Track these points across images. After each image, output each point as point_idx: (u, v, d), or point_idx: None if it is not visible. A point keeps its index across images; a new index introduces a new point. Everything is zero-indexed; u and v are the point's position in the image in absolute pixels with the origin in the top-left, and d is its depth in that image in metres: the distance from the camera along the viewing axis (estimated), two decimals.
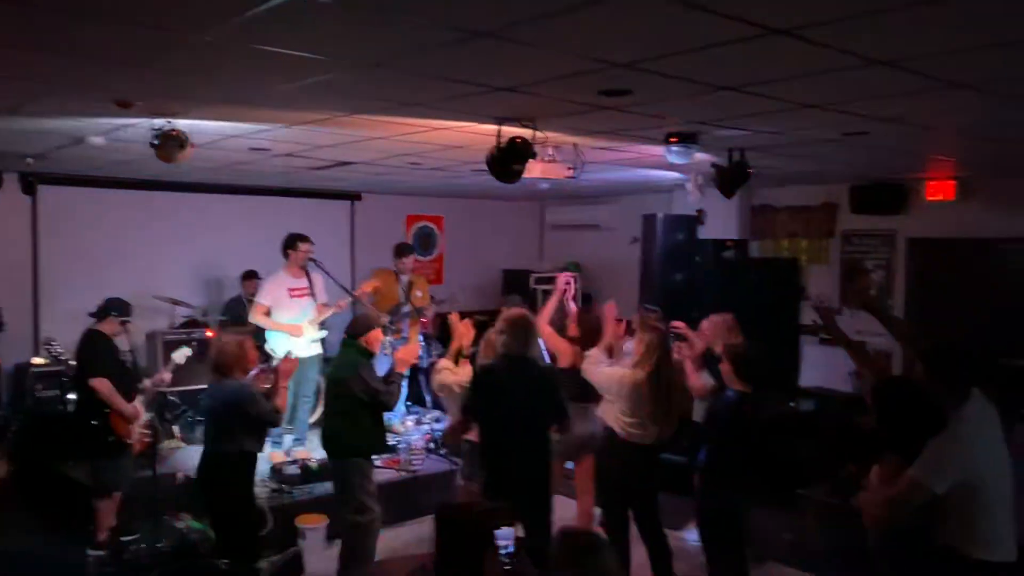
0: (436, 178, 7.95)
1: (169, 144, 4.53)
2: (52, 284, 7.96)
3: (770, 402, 4.91)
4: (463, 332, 5.16)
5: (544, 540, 4.38)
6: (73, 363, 5.96)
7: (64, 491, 6.04)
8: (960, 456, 3.26)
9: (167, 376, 5.81)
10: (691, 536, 5.55)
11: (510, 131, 4.65)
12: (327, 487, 5.65)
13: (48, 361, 6.89)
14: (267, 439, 5.14)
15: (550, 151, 5.34)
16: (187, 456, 6.99)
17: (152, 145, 4.59)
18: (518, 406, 4.40)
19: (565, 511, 4.95)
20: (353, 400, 4.82)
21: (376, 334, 5.03)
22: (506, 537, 3.33)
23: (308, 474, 6.18)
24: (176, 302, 8.08)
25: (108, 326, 5.49)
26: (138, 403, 5.53)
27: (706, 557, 5.15)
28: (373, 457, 5.14)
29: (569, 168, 5.60)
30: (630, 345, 5.46)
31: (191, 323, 8.26)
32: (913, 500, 3.30)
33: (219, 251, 8.76)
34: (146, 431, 5.60)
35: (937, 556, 3.34)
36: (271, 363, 6.45)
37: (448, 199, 10.69)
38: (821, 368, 8.08)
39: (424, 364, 7.68)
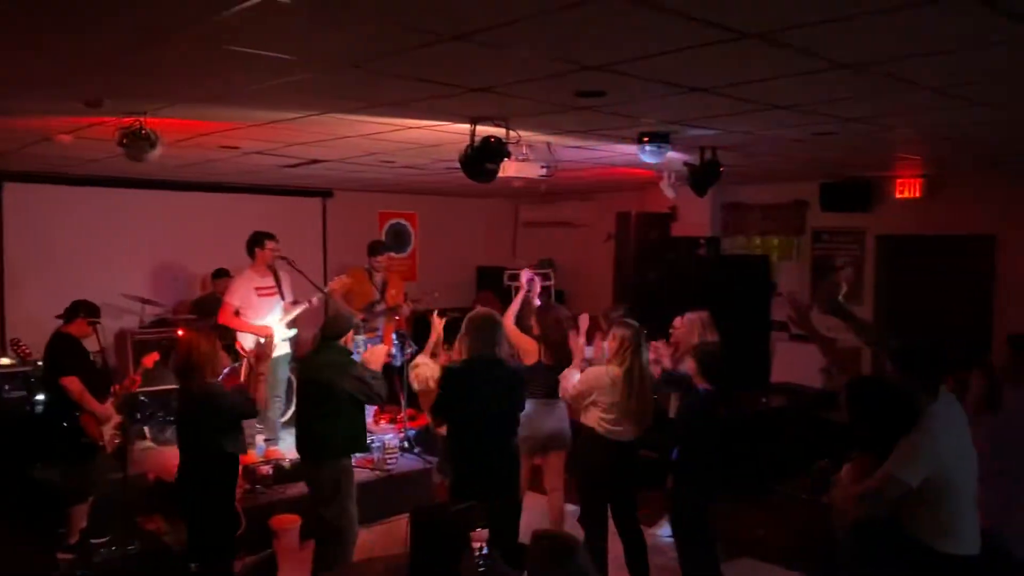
0: (410, 175, 7.93)
1: (139, 144, 4.46)
2: (18, 283, 7.83)
3: (735, 399, 4.96)
4: (439, 329, 5.16)
5: (513, 539, 4.42)
6: (40, 363, 5.88)
7: (33, 494, 5.96)
8: (932, 450, 3.31)
9: (137, 383, 5.74)
10: (664, 532, 5.60)
11: (484, 130, 4.65)
12: (301, 487, 5.61)
13: (15, 361, 6.78)
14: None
15: (524, 150, 5.35)
16: (158, 457, 6.92)
17: (121, 145, 4.51)
18: (485, 406, 4.42)
19: (534, 507, 4.96)
20: (345, 400, 4.77)
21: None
22: (481, 538, 3.33)
23: (281, 474, 6.13)
24: (146, 301, 7.98)
25: (77, 328, 5.41)
26: (109, 404, 5.46)
27: (679, 553, 5.22)
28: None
29: (543, 167, 5.62)
30: (589, 351, 5.53)
31: (161, 322, 8.16)
32: (889, 494, 3.34)
33: (189, 249, 8.67)
34: (116, 432, 5.54)
35: (904, 550, 3.40)
36: (239, 363, 6.41)
37: (422, 196, 10.66)
38: (792, 364, 8.17)
39: (398, 363, 7.65)
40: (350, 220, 9.98)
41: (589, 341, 5.55)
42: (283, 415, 7.25)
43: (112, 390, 5.56)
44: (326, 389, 4.76)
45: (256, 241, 6.86)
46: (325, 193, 9.87)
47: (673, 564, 5.28)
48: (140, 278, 8.30)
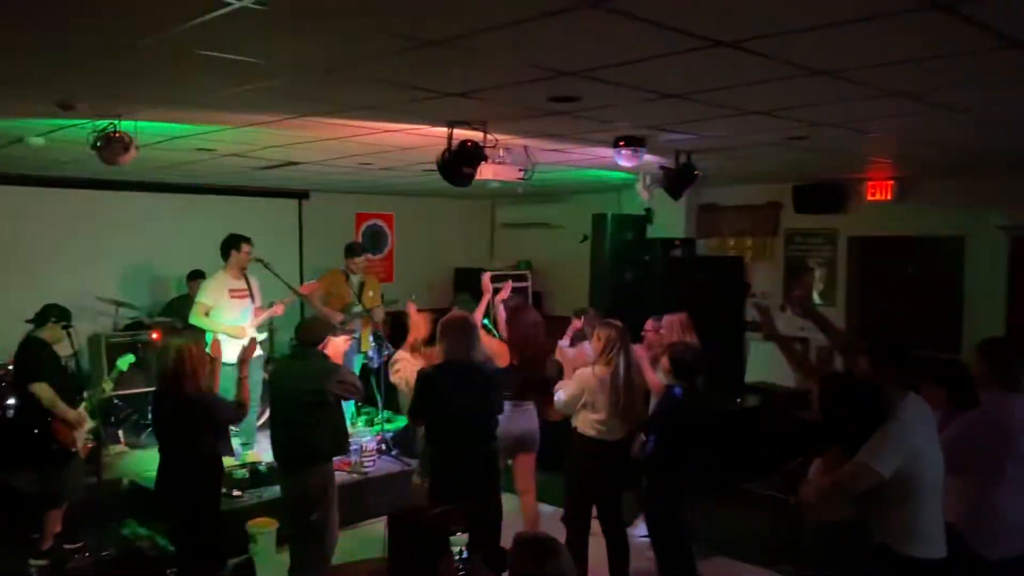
0: (387, 177, 7.92)
1: (113, 146, 4.43)
2: None
3: (706, 399, 5.05)
4: (417, 323, 5.16)
5: (494, 541, 4.44)
6: (11, 368, 5.81)
7: (5, 499, 5.88)
8: (905, 441, 3.36)
9: (108, 386, 5.68)
10: (639, 532, 5.64)
11: (461, 134, 4.67)
12: (276, 490, 5.59)
13: None
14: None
15: (501, 153, 5.37)
16: (132, 461, 6.88)
17: (95, 147, 4.48)
18: (461, 409, 4.43)
19: (505, 509, 4.99)
20: (332, 407, 4.77)
21: (335, 347, 4.92)
22: (459, 543, 3.35)
23: (258, 478, 6.12)
24: (120, 303, 7.92)
25: (47, 333, 5.34)
26: (82, 409, 5.40)
27: (655, 552, 5.27)
28: None
29: (520, 169, 5.64)
30: (572, 352, 5.57)
31: (135, 325, 8.10)
32: (860, 484, 3.37)
33: (163, 251, 8.60)
34: (89, 437, 5.49)
35: (872, 553, 3.43)
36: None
37: (398, 197, 10.64)
38: (766, 364, 8.25)
39: (375, 365, 7.65)
40: (326, 221, 9.94)
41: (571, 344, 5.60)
42: (259, 418, 7.21)
43: (84, 395, 5.51)
44: (314, 397, 4.69)
45: (232, 243, 6.80)
46: (301, 194, 9.83)
47: (649, 564, 5.33)
48: (114, 280, 8.22)
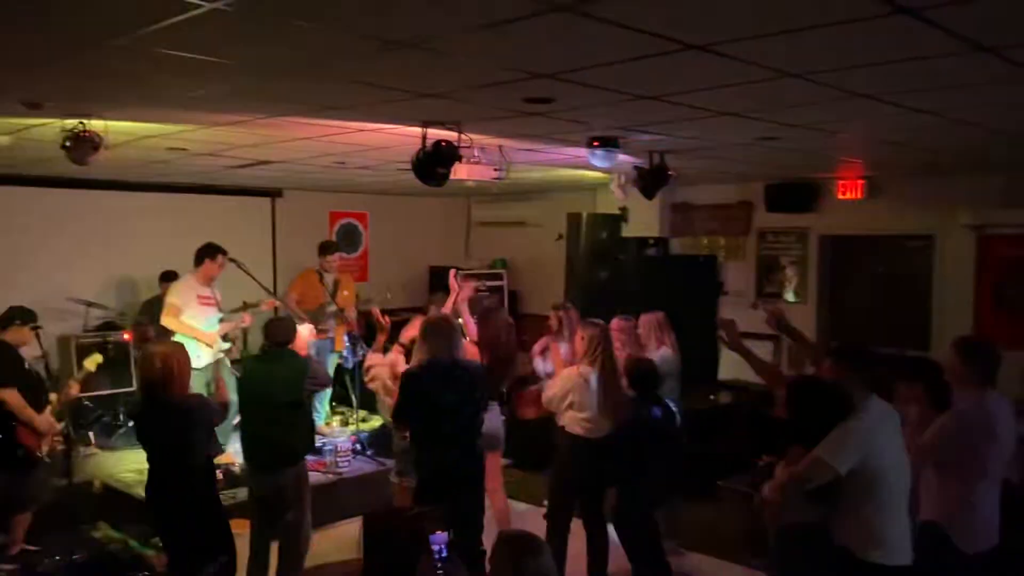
0: (361, 175, 7.89)
1: (81, 146, 4.38)
2: None
3: (651, 406, 5.12)
4: (385, 325, 5.16)
5: (477, 540, 4.45)
6: None
7: None
8: (862, 440, 3.38)
9: (75, 389, 5.58)
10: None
11: (436, 134, 4.67)
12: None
13: None
14: None
15: (476, 152, 5.38)
16: (103, 463, 6.80)
17: (63, 147, 4.42)
18: (446, 409, 4.43)
19: None
20: (305, 405, 4.84)
21: (300, 342, 4.95)
22: (439, 541, 3.34)
23: (232, 479, 6.08)
24: (90, 304, 7.82)
25: (12, 335, 5.22)
26: (49, 414, 5.31)
27: (625, 551, 5.32)
28: None
29: (495, 169, 5.65)
30: (547, 366, 5.62)
31: (106, 326, 8.01)
32: (815, 478, 3.39)
33: (134, 251, 8.49)
34: (59, 439, 5.42)
35: (834, 557, 3.43)
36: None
37: (373, 195, 10.60)
38: (739, 362, 8.30)
39: (349, 365, 7.63)
40: (300, 220, 9.87)
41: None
42: (234, 419, 7.17)
43: (51, 398, 5.41)
44: (291, 397, 4.73)
45: (208, 252, 6.69)
46: (274, 193, 9.76)
47: (622, 561, 5.38)
48: (84, 281, 8.10)
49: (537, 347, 6.24)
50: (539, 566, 2.52)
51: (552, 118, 4.42)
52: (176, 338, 6.56)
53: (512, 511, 5.77)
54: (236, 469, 6.14)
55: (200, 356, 6.26)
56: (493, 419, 5.52)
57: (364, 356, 7.34)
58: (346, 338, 7.65)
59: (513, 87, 3.60)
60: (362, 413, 7.55)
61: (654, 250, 8.86)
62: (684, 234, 9.27)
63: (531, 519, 5.31)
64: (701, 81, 3.52)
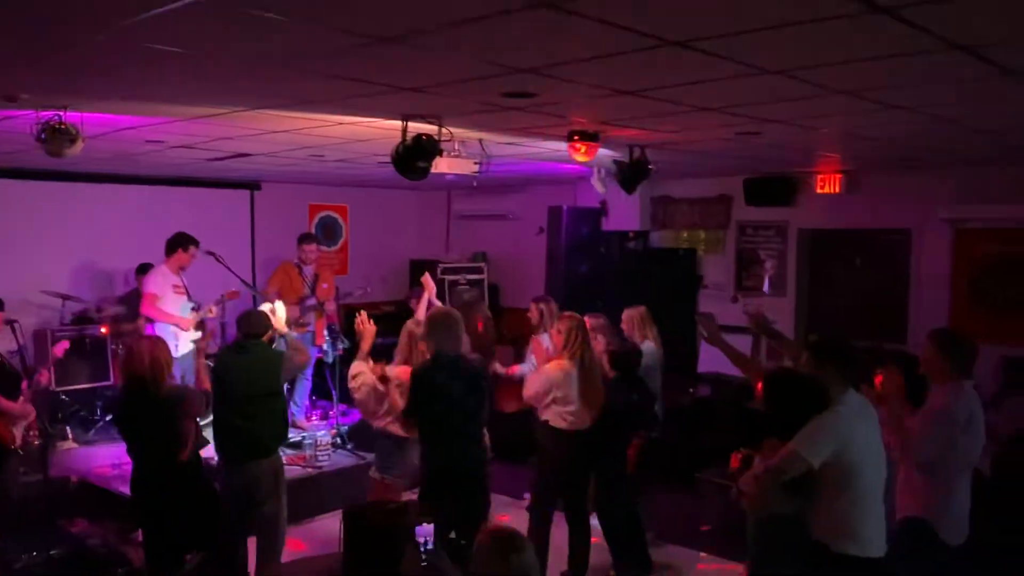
0: (341, 168, 7.85)
1: (58, 138, 4.31)
2: None
3: (631, 387, 5.29)
4: (370, 332, 5.10)
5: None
6: None
7: None
8: (837, 433, 3.41)
9: (45, 376, 5.53)
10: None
11: (416, 127, 4.66)
12: None
13: None
14: None
15: (456, 146, 5.37)
16: (81, 458, 6.75)
17: (40, 140, 4.36)
18: (455, 404, 4.46)
19: None
20: (281, 396, 4.91)
21: (278, 324, 5.04)
22: (425, 533, 3.35)
23: (209, 472, 6.03)
24: (66, 297, 7.74)
25: None
26: (22, 401, 5.25)
27: (608, 544, 5.36)
28: None
29: (475, 163, 5.65)
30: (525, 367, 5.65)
31: (82, 319, 7.93)
32: (789, 471, 3.42)
33: (111, 243, 8.39)
34: (34, 433, 5.36)
35: (809, 549, 3.47)
36: None
37: (353, 188, 10.54)
38: (718, 354, 8.34)
39: (330, 359, 7.60)
40: (279, 213, 9.80)
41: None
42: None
43: (23, 386, 5.35)
44: (268, 388, 4.78)
45: (181, 242, 6.84)
46: (253, 185, 9.68)
47: (607, 555, 5.42)
48: (60, 274, 8.01)
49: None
50: (522, 562, 2.52)
51: (532, 112, 4.42)
52: (157, 328, 6.63)
53: (493, 503, 5.79)
54: (213, 463, 6.10)
55: (178, 346, 6.34)
56: None
57: (344, 350, 7.35)
58: (326, 332, 7.62)
59: (493, 81, 3.59)
60: (342, 407, 7.52)
61: (634, 243, 8.90)
62: (664, 227, 9.30)
63: (514, 512, 5.32)
64: (681, 77, 3.53)
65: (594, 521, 5.53)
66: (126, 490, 5.22)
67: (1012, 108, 4.23)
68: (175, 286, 6.85)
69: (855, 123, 4.86)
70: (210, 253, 7.18)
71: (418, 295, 7.57)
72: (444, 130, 4.75)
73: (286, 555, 5.00)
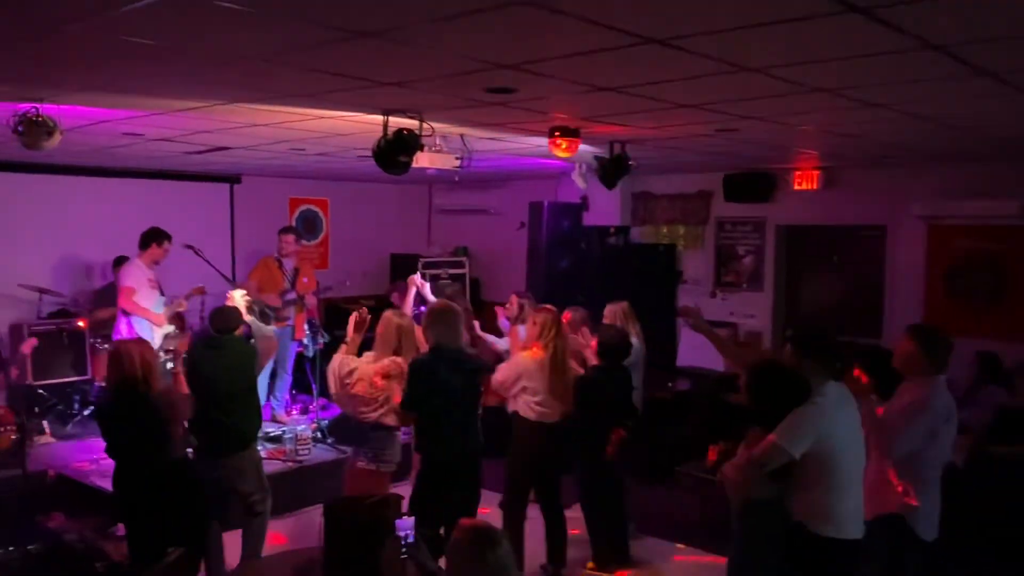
0: (321, 162, 7.83)
1: (35, 131, 4.28)
2: None
3: (621, 376, 5.34)
4: (362, 326, 5.09)
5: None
6: None
7: None
8: (817, 425, 3.50)
9: (15, 372, 5.51)
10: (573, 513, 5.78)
11: (397, 122, 4.66)
12: None
13: None
14: None
15: (437, 141, 5.37)
16: (58, 453, 6.70)
17: (16, 132, 4.32)
18: (454, 395, 4.51)
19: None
20: (256, 387, 4.98)
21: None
22: (405, 527, 3.36)
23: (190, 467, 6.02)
24: (44, 291, 7.67)
25: None
26: None
27: (588, 532, 5.41)
28: None
29: (457, 158, 5.65)
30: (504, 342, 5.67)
31: (60, 313, 7.86)
32: (771, 462, 3.51)
33: (89, 237, 8.32)
34: (11, 427, 5.32)
35: (791, 532, 3.57)
36: None
37: (333, 182, 10.51)
38: (696, 348, 8.45)
39: (311, 353, 7.59)
40: (259, 206, 9.74)
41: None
42: None
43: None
44: (245, 382, 4.87)
45: (155, 236, 6.87)
46: (233, 179, 9.63)
47: (584, 546, 5.46)
48: (37, 267, 7.93)
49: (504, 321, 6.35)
50: (498, 558, 2.54)
51: (514, 108, 4.43)
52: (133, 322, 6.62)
53: None
54: (190, 457, 6.08)
55: (153, 340, 6.39)
56: None
57: (325, 344, 7.34)
58: (306, 326, 7.61)
59: (475, 77, 3.61)
60: (322, 401, 7.51)
61: (615, 239, 8.94)
62: (645, 223, 9.36)
63: (495, 506, 5.34)
64: (660, 74, 3.56)
65: (576, 513, 5.58)
66: (105, 485, 5.23)
67: (985, 107, 4.30)
68: (149, 280, 6.89)
69: (832, 120, 4.92)
70: (189, 247, 7.15)
71: (401, 290, 7.58)
72: (425, 125, 4.75)
73: (267, 548, 5.01)
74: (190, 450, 6.09)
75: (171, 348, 6.75)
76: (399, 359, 4.78)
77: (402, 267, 10.32)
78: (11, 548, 5.25)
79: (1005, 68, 3.42)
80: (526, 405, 5.06)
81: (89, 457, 6.28)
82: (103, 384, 6.76)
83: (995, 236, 7.14)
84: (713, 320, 8.66)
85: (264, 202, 9.84)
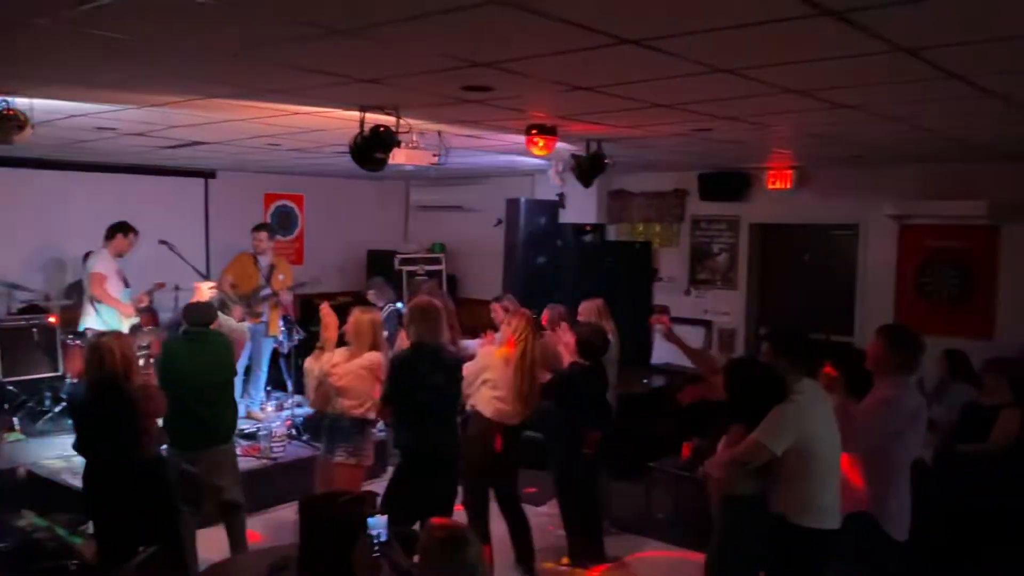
0: (297, 157, 7.79)
1: (6, 125, 4.23)
2: None
3: (598, 372, 5.42)
4: (332, 323, 5.08)
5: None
6: None
7: None
8: (797, 422, 3.61)
9: None
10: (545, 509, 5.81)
11: (374, 118, 4.65)
12: None
13: None
14: None
15: (414, 137, 5.37)
16: (29, 449, 6.62)
17: None
18: (434, 392, 4.54)
19: None
20: (233, 381, 5.02)
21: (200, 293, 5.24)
22: (378, 525, 3.36)
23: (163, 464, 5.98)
24: (14, 286, 7.57)
25: None
26: None
27: (564, 527, 5.44)
28: None
29: (434, 154, 5.66)
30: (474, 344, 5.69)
31: (31, 308, 7.76)
32: (754, 459, 3.64)
33: (60, 231, 8.21)
34: None
35: (771, 524, 3.68)
36: None
37: (309, 177, 10.43)
38: (670, 346, 8.49)
39: (285, 350, 7.56)
40: (234, 202, 9.66)
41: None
42: None
43: None
44: (226, 376, 4.92)
45: (121, 228, 6.97)
46: (208, 174, 9.54)
47: (556, 541, 5.49)
48: (8, 262, 7.82)
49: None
50: (467, 558, 2.55)
51: (490, 106, 4.44)
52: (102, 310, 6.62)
53: None
54: (163, 454, 6.04)
55: (123, 331, 6.31)
56: None
57: (300, 340, 7.31)
58: (281, 322, 7.57)
59: (452, 75, 3.61)
60: (297, 398, 7.49)
61: (591, 236, 8.98)
62: (620, 221, 9.41)
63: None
64: (636, 74, 3.59)
65: (552, 509, 5.62)
66: (76, 483, 5.17)
67: (955, 108, 4.37)
68: (117, 272, 6.97)
69: (805, 121, 4.97)
70: (163, 243, 7.09)
71: (377, 286, 7.59)
72: (402, 122, 4.75)
73: None
74: (163, 447, 6.09)
75: (145, 344, 6.73)
76: (378, 354, 4.81)
77: (378, 263, 10.31)
78: None
79: (974, 72, 3.49)
80: (485, 399, 5.04)
81: (60, 454, 6.21)
82: (76, 379, 6.70)
83: (964, 236, 7.26)
84: (687, 318, 8.80)
85: (239, 197, 9.76)
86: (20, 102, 4.32)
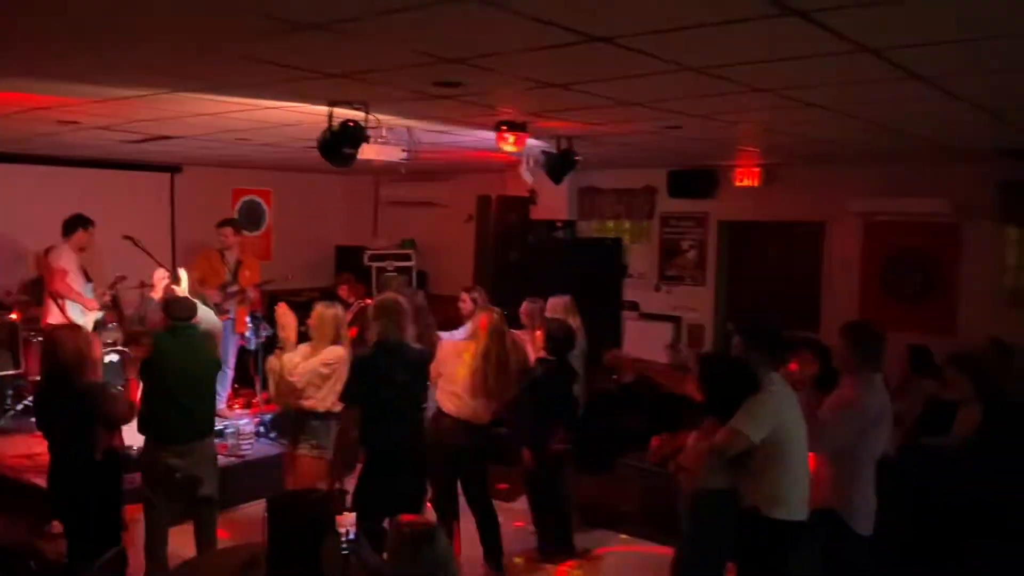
0: (265, 152, 7.71)
1: None
2: None
3: (569, 369, 5.50)
4: (289, 323, 5.07)
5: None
6: None
7: None
8: (773, 410, 3.71)
9: None
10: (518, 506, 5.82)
11: (342, 113, 4.61)
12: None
13: None
14: None
15: (384, 132, 5.34)
16: None
17: None
18: (398, 389, 4.52)
19: None
20: (214, 376, 4.98)
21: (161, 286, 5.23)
22: (347, 523, 3.37)
23: (128, 464, 5.89)
24: None
25: None
26: None
27: (533, 523, 5.46)
28: None
29: (403, 150, 5.63)
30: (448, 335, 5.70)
31: None
32: (733, 448, 3.71)
33: (22, 226, 8.03)
34: None
35: (741, 517, 3.76)
36: None
37: (277, 172, 10.33)
38: (640, 341, 8.56)
39: (252, 346, 7.49)
40: (200, 197, 9.53)
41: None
42: None
43: None
44: (210, 370, 4.88)
45: (80, 222, 6.88)
46: (174, 168, 9.41)
47: (526, 536, 5.51)
48: None
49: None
50: (436, 554, 2.55)
51: (460, 102, 4.43)
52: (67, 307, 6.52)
53: None
54: (133, 453, 5.95)
55: (85, 324, 6.34)
56: None
57: (267, 337, 7.25)
58: (248, 319, 7.50)
59: (421, 71, 3.59)
60: (264, 395, 7.42)
61: (562, 233, 9.01)
62: (591, 217, 9.45)
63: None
64: (606, 72, 3.60)
65: (521, 505, 5.63)
66: (40, 481, 5.09)
67: (919, 108, 4.44)
68: (79, 266, 6.88)
69: (772, 119, 5.03)
70: (128, 238, 6.99)
71: (347, 281, 7.56)
72: (371, 117, 4.72)
73: None
74: (134, 446, 6.02)
75: (110, 341, 6.65)
76: (340, 348, 4.82)
77: (347, 259, 10.24)
78: None
79: (936, 73, 3.54)
80: (444, 394, 5.06)
81: (24, 453, 6.10)
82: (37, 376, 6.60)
83: (927, 233, 7.38)
84: (657, 313, 8.87)
85: (206, 192, 9.63)
86: None
